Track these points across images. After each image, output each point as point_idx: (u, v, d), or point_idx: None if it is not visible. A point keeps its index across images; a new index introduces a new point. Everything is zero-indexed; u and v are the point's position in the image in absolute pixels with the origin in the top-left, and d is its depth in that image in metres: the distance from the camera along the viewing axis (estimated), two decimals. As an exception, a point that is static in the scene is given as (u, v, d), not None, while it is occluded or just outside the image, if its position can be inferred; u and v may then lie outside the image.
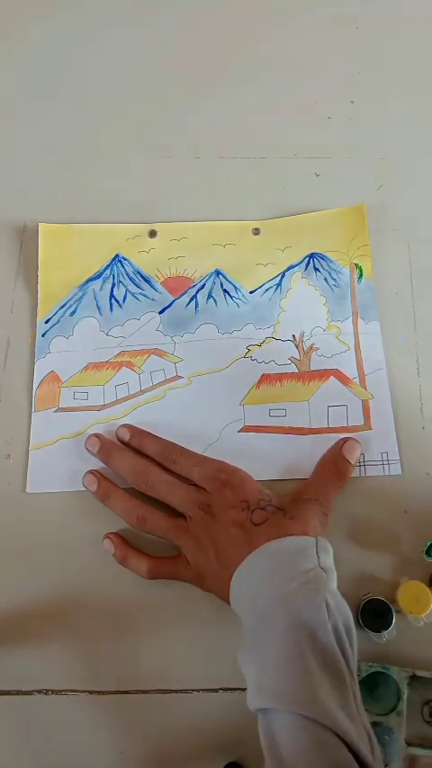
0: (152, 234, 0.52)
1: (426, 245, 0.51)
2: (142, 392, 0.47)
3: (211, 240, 0.51)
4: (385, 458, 0.45)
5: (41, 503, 0.45)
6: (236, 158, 0.55)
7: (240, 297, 0.50)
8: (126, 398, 0.47)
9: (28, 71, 0.58)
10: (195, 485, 0.42)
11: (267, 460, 0.45)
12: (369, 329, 0.48)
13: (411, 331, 0.49)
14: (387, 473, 0.45)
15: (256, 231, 0.52)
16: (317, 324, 0.49)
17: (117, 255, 0.51)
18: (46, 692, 0.41)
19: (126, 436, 0.45)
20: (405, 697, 0.39)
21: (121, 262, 0.51)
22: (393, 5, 0.60)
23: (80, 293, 0.50)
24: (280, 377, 0.47)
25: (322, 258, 0.51)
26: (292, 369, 0.48)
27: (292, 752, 0.31)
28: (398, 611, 0.40)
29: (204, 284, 0.50)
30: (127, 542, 0.43)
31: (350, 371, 0.47)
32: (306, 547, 0.37)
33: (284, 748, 0.31)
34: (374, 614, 0.40)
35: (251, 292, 0.50)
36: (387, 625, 0.40)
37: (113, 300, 0.50)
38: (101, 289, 0.50)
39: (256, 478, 0.42)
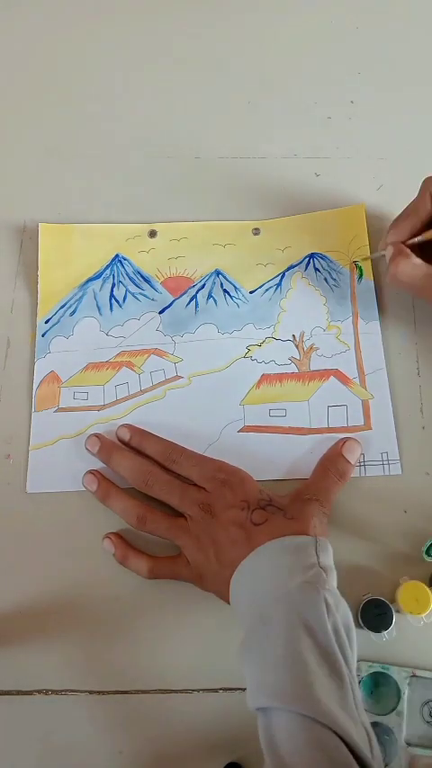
0: (152, 234, 0.52)
1: (426, 245, 0.51)
2: (142, 392, 0.47)
3: (211, 240, 0.51)
4: (385, 458, 0.45)
5: (41, 503, 0.45)
6: (236, 158, 0.55)
7: (240, 297, 0.50)
8: (126, 398, 0.47)
9: (28, 71, 0.58)
10: (195, 485, 0.43)
11: (267, 460, 0.45)
12: (369, 329, 0.48)
13: (411, 331, 0.49)
14: (387, 473, 0.45)
15: (256, 231, 0.52)
16: (317, 324, 0.49)
17: (117, 255, 0.51)
18: (46, 692, 0.41)
19: (126, 436, 0.45)
20: (405, 697, 0.39)
21: (121, 262, 0.51)
22: (393, 5, 0.60)
23: (80, 293, 0.50)
24: (280, 377, 0.47)
25: (322, 258, 0.51)
26: (292, 369, 0.48)
27: (292, 751, 0.31)
28: (398, 611, 0.40)
29: (204, 284, 0.50)
30: (127, 542, 0.43)
31: (350, 371, 0.47)
32: (306, 546, 0.37)
33: (284, 747, 0.31)
34: (374, 614, 0.40)
35: (251, 292, 0.50)
36: (387, 625, 0.40)
37: (113, 300, 0.50)
38: (101, 289, 0.50)
39: (256, 478, 0.43)
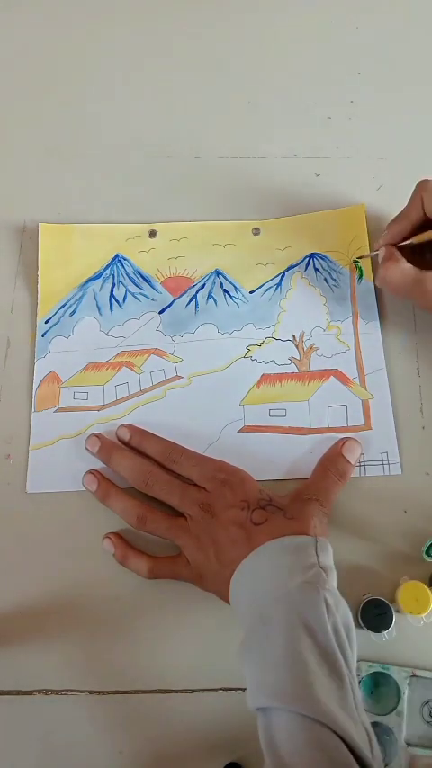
0: (152, 234, 0.52)
1: (426, 245, 0.51)
2: (142, 392, 0.47)
3: (211, 240, 0.51)
4: (385, 458, 0.45)
5: (41, 503, 0.45)
6: (236, 158, 0.55)
7: (240, 297, 0.50)
8: (126, 398, 0.47)
9: (28, 71, 0.58)
10: (195, 484, 0.43)
11: (267, 460, 0.45)
12: (369, 329, 0.48)
13: (411, 331, 0.49)
14: (387, 473, 0.45)
15: (256, 231, 0.52)
16: (317, 324, 0.49)
17: (117, 255, 0.51)
18: (46, 692, 0.41)
19: (126, 436, 0.45)
20: (405, 697, 0.39)
21: (121, 262, 0.51)
22: (393, 5, 0.60)
23: (80, 293, 0.50)
24: (280, 377, 0.47)
25: (322, 258, 0.51)
26: (292, 369, 0.48)
27: (292, 751, 0.31)
28: (398, 611, 0.40)
29: (204, 284, 0.50)
30: (127, 542, 0.43)
31: (350, 371, 0.47)
32: (306, 546, 0.37)
33: (284, 747, 0.31)
34: (374, 614, 0.40)
35: (251, 292, 0.50)
36: (387, 625, 0.40)
37: (113, 300, 0.50)
38: (101, 289, 0.50)
39: (256, 478, 0.43)
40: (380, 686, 0.40)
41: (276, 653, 0.34)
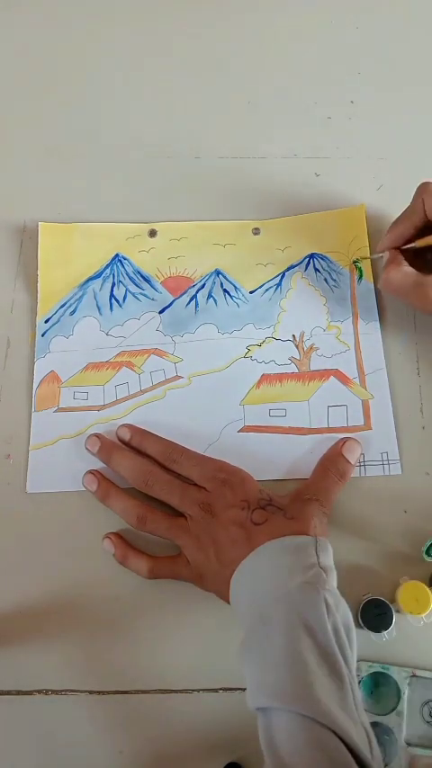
0: (152, 233, 0.52)
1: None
2: (142, 392, 0.47)
3: (211, 240, 0.51)
4: (385, 458, 0.45)
5: (41, 503, 0.45)
6: (236, 158, 0.55)
7: (240, 297, 0.50)
8: (126, 398, 0.47)
9: (28, 71, 0.58)
10: (195, 484, 0.43)
11: (267, 460, 0.45)
12: (369, 329, 0.48)
13: (411, 331, 0.49)
14: (387, 473, 0.45)
15: (256, 231, 0.52)
16: (317, 324, 0.49)
17: (117, 255, 0.51)
18: (46, 692, 0.41)
19: (126, 436, 0.45)
20: (405, 697, 0.39)
21: (121, 261, 0.51)
22: (393, 5, 0.60)
23: (80, 293, 0.50)
24: (280, 377, 0.47)
25: (322, 258, 0.51)
26: (292, 369, 0.48)
27: (292, 751, 0.31)
28: (398, 611, 0.40)
29: (204, 284, 0.50)
30: (127, 542, 0.43)
31: (350, 371, 0.47)
32: (306, 546, 0.37)
33: (284, 747, 0.31)
34: (374, 615, 0.40)
35: (251, 292, 0.50)
36: (387, 625, 0.40)
37: (113, 300, 0.50)
38: (101, 288, 0.50)
39: (256, 478, 0.43)
40: (380, 686, 0.40)
41: (276, 653, 0.34)
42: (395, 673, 0.39)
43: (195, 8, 0.60)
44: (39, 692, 0.41)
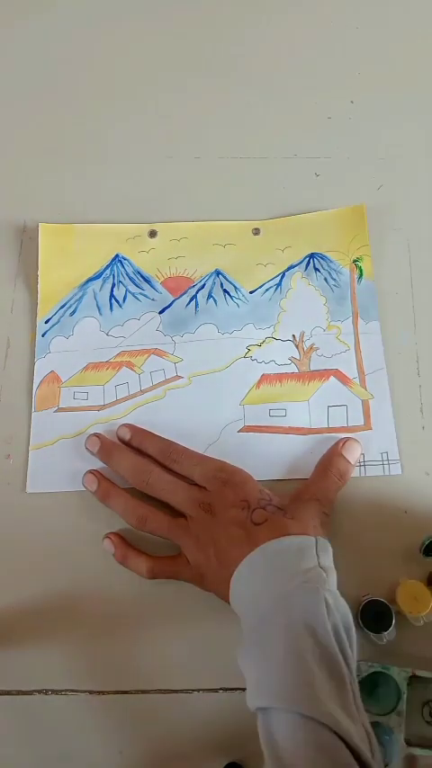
0: (152, 234, 0.52)
1: (426, 245, 0.51)
2: (142, 392, 0.47)
3: (211, 240, 0.51)
4: (385, 458, 0.45)
5: (41, 503, 0.45)
6: (236, 158, 0.55)
7: (240, 297, 0.50)
8: (126, 398, 0.47)
9: (28, 71, 0.58)
10: (196, 484, 0.43)
11: (267, 460, 0.45)
12: (369, 329, 0.48)
13: (411, 331, 0.49)
14: (387, 473, 0.45)
15: (256, 231, 0.52)
16: (317, 324, 0.49)
17: (117, 255, 0.51)
18: (46, 691, 0.41)
19: (127, 435, 0.45)
20: (405, 697, 0.39)
21: (121, 262, 0.51)
22: (393, 5, 0.60)
23: (80, 293, 0.50)
24: (280, 377, 0.47)
25: (322, 258, 0.51)
26: (292, 369, 0.48)
27: (292, 751, 0.31)
28: (397, 611, 0.40)
29: (204, 284, 0.50)
30: (127, 542, 0.43)
31: (350, 371, 0.47)
32: (306, 546, 0.37)
33: (284, 747, 0.31)
34: (374, 615, 0.40)
35: (251, 292, 0.50)
36: (387, 626, 0.40)
37: (113, 300, 0.50)
38: (101, 289, 0.50)
39: (256, 478, 0.42)
40: (380, 686, 0.40)
41: (276, 653, 0.34)
42: (395, 673, 0.39)
43: (196, 8, 0.60)
44: (39, 692, 0.41)
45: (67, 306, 0.50)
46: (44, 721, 0.41)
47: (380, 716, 0.39)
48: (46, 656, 0.42)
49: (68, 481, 0.45)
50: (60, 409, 0.47)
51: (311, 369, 0.48)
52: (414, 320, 0.49)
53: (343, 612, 0.35)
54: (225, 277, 0.50)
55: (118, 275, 0.51)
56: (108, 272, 0.51)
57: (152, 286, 0.50)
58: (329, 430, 0.46)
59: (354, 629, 0.35)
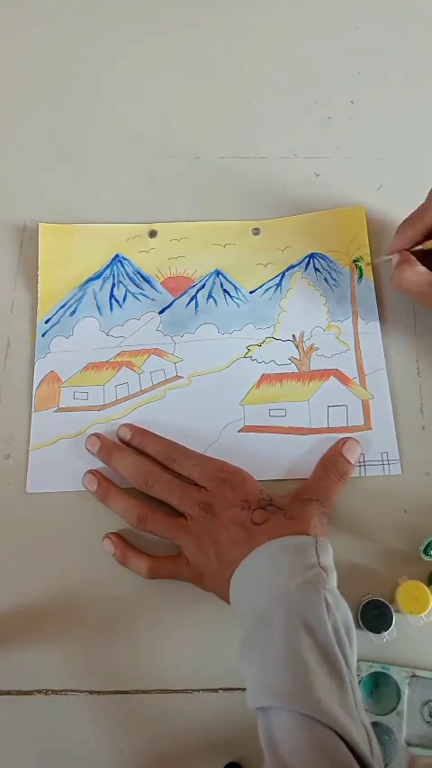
0: (152, 234, 0.52)
1: (426, 245, 0.51)
2: (142, 392, 0.47)
3: (211, 240, 0.51)
4: (385, 458, 0.45)
5: (41, 503, 0.45)
6: (236, 158, 0.55)
7: (240, 297, 0.50)
8: (126, 398, 0.47)
9: (28, 71, 0.58)
10: (196, 484, 0.43)
11: (267, 460, 0.45)
12: (369, 329, 0.48)
13: (411, 331, 0.49)
14: (387, 473, 0.45)
15: (256, 231, 0.52)
16: (317, 324, 0.49)
17: (117, 255, 0.51)
18: (46, 692, 0.41)
19: (127, 435, 0.45)
20: (405, 697, 0.39)
21: (121, 262, 0.51)
22: (393, 5, 0.60)
23: (80, 293, 0.50)
24: (280, 377, 0.47)
25: (322, 258, 0.51)
26: (292, 369, 0.48)
27: (292, 750, 0.31)
28: (397, 611, 0.40)
29: (204, 284, 0.50)
30: (127, 542, 0.43)
31: (350, 371, 0.47)
32: (306, 546, 0.37)
33: (284, 747, 0.31)
34: (374, 615, 0.40)
35: (251, 292, 0.50)
36: (387, 626, 0.40)
37: (113, 300, 0.50)
38: (101, 289, 0.50)
39: (256, 478, 0.43)
40: (380, 686, 0.40)
41: (276, 653, 0.34)
42: (395, 673, 0.39)
43: (195, 8, 0.60)
44: (39, 692, 0.41)
45: (67, 306, 0.50)
46: (44, 721, 0.41)
47: (380, 716, 0.39)
48: (46, 656, 0.42)
49: (68, 481, 0.45)
50: (60, 409, 0.47)
51: (311, 369, 0.48)
52: (414, 320, 0.49)
53: (343, 612, 0.35)
54: (225, 277, 0.50)
55: (118, 275, 0.51)
56: (108, 272, 0.51)
57: (152, 286, 0.50)
58: (329, 430, 0.46)
59: (354, 628, 0.35)
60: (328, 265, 0.50)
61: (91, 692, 0.41)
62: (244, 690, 0.35)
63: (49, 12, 0.60)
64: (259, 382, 0.47)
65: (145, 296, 0.50)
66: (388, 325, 0.49)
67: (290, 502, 0.41)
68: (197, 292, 0.50)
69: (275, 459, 0.45)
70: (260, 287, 0.50)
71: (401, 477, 0.44)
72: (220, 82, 0.57)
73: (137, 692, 0.41)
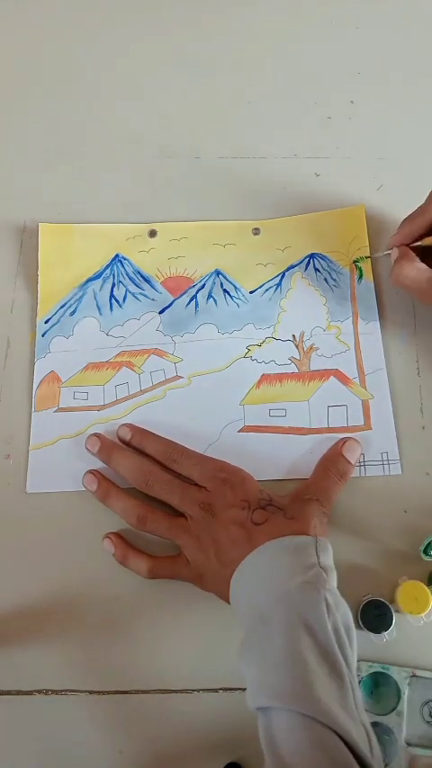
0: (152, 234, 0.52)
1: (426, 245, 0.51)
2: (142, 392, 0.47)
3: (211, 240, 0.51)
4: (385, 458, 0.45)
5: (41, 503, 0.45)
6: (236, 158, 0.55)
7: (240, 297, 0.50)
8: (126, 398, 0.47)
9: (28, 71, 0.58)
10: (196, 484, 0.43)
11: (267, 460, 0.45)
12: (369, 329, 0.48)
13: (411, 331, 0.49)
14: (387, 473, 0.45)
15: (256, 231, 0.52)
16: (317, 324, 0.49)
17: (117, 255, 0.51)
18: (46, 692, 0.41)
19: (127, 435, 0.45)
20: (405, 697, 0.39)
21: (121, 262, 0.51)
22: (393, 5, 0.60)
23: (80, 293, 0.50)
24: (280, 377, 0.47)
25: (322, 258, 0.51)
26: (292, 369, 0.48)
27: (292, 750, 0.31)
28: (397, 611, 0.40)
29: (204, 284, 0.50)
30: (127, 542, 0.43)
31: (350, 371, 0.47)
32: (306, 546, 0.37)
33: (284, 747, 0.31)
34: (374, 615, 0.40)
35: (251, 292, 0.50)
36: (387, 626, 0.40)
37: (113, 300, 0.50)
38: (101, 289, 0.50)
39: (256, 478, 0.43)
40: (380, 686, 0.40)
41: (276, 653, 0.34)
42: (395, 673, 0.39)
43: (195, 8, 0.60)
44: (39, 691, 0.41)
45: (67, 306, 0.50)
46: (44, 721, 0.41)
47: (380, 716, 0.39)
48: (46, 656, 0.42)
49: (68, 481, 0.45)
50: (60, 409, 0.47)
51: (311, 369, 0.48)
52: (414, 320, 0.49)
53: (343, 612, 0.35)
54: (225, 277, 0.50)
55: (118, 275, 0.51)
56: (108, 271, 0.51)
57: (152, 286, 0.50)
58: (329, 430, 0.46)
59: (354, 628, 0.35)
60: (329, 265, 0.50)
61: (91, 692, 0.41)
62: (244, 690, 0.35)
63: (49, 12, 0.61)
64: (259, 382, 0.47)
65: (145, 296, 0.50)
66: (388, 326, 0.49)
67: (290, 502, 0.41)
68: (197, 292, 0.50)
69: (275, 459, 0.45)
70: (260, 287, 0.50)
71: (401, 477, 0.44)
72: (220, 82, 0.57)
73: (137, 692, 0.41)
